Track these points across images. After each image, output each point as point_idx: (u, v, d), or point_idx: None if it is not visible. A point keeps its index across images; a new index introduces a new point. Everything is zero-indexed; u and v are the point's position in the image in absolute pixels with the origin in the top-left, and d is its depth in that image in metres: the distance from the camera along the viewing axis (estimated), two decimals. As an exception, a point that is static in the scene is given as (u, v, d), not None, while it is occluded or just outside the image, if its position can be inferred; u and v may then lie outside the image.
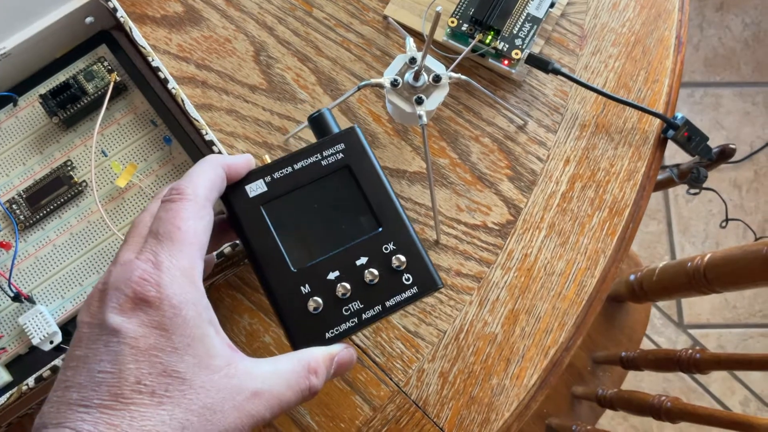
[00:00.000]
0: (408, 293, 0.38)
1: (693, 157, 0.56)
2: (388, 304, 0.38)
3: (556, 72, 0.52)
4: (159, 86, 0.51)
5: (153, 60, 0.48)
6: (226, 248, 0.44)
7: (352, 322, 0.37)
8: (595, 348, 0.84)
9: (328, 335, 0.37)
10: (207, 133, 0.46)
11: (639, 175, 0.52)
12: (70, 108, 0.49)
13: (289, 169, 0.39)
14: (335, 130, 0.41)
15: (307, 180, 0.39)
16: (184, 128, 0.51)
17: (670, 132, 0.53)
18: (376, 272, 0.38)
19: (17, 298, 0.46)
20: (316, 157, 0.39)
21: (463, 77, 0.47)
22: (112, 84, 0.49)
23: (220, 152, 0.46)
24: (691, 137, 0.54)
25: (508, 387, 0.48)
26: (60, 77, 0.51)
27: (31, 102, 0.50)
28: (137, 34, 0.48)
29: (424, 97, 0.45)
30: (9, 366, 0.47)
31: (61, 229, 0.48)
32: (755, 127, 1.47)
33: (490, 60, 0.53)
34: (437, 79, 0.45)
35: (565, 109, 0.54)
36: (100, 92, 0.49)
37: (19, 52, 0.49)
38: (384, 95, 0.54)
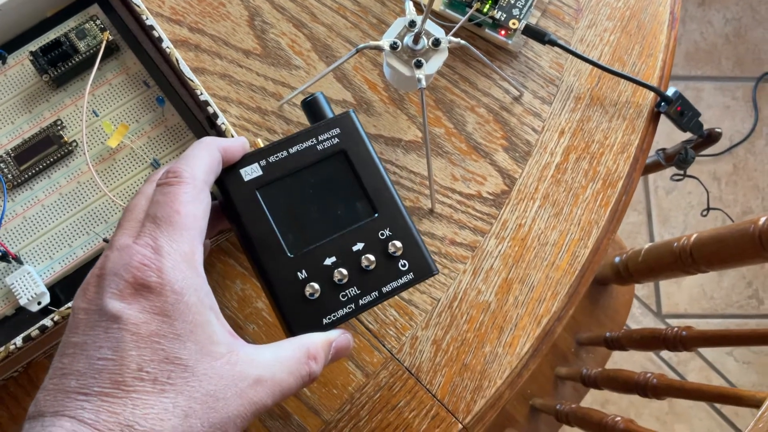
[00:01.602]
0: (404, 279, 0.38)
1: (685, 132, 0.56)
2: (384, 289, 0.38)
3: (553, 43, 0.52)
4: (151, 47, 0.50)
5: (147, 19, 0.47)
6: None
7: (349, 308, 0.37)
8: (579, 329, 0.84)
9: (325, 321, 0.37)
10: (202, 93, 0.45)
11: (632, 148, 0.53)
12: (61, 66, 0.48)
13: (285, 153, 0.38)
14: (329, 114, 0.41)
15: (302, 164, 0.38)
16: (177, 90, 0.50)
17: (664, 106, 0.53)
18: (372, 258, 0.38)
19: (4, 257, 0.45)
20: (312, 142, 0.39)
21: (462, 41, 0.47)
22: (104, 43, 0.48)
23: (215, 113, 0.45)
24: (683, 112, 0.54)
25: (500, 355, 0.48)
26: (51, 35, 0.49)
27: (20, 60, 0.49)
28: (131, -8, 0.47)
29: (423, 60, 0.45)
30: (-6, 327, 0.46)
31: (51, 189, 0.47)
32: (735, 121, 1.49)
33: (486, 30, 0.53)
34: (437, 43, 0.45)
35: (560, 81, 0.54)
36: (91, 51, 0.48)
37: (8, 9, 0.48)
38: (380, 64, 0.53)
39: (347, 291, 0.37)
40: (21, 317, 0.46)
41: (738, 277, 1.39)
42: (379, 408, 0.47)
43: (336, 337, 0.36)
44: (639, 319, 1.36)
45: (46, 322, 0.42)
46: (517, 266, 0.50)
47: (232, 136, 0.45)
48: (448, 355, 0.48)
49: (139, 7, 0.47)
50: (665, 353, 1.31)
